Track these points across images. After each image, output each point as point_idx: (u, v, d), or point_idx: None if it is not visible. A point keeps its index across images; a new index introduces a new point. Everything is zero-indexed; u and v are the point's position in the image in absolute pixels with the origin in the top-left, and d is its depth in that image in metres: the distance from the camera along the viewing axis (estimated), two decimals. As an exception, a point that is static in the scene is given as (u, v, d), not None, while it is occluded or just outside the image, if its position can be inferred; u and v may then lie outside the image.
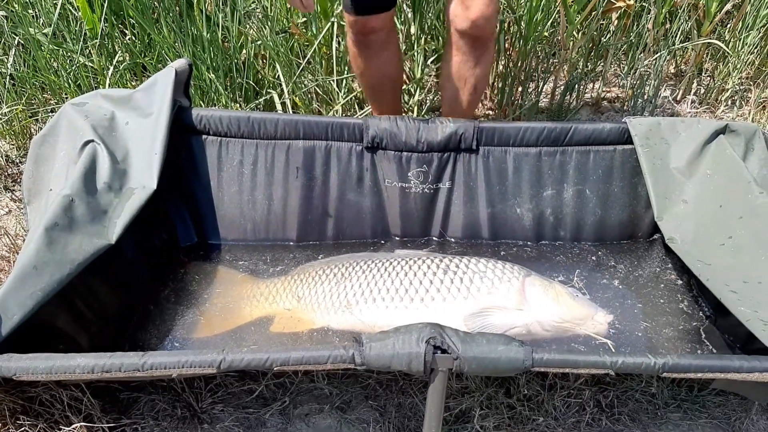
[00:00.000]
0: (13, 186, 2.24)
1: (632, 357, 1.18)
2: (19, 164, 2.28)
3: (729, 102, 2.74)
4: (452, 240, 1.90)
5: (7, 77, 2.33)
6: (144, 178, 1.64)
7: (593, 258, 1.88)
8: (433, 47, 2.61)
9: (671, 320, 1.71)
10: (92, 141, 1.63)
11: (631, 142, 1.83)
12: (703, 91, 2.77)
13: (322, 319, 1.61)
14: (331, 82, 2.45)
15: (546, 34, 2.63)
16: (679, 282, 1.80)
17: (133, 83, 2.06)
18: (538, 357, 1.17)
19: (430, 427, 1.22)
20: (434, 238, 1.92)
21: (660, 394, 1.67)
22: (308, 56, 2.45)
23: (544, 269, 1.85)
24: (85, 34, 2.35)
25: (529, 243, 1.91)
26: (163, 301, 1.73)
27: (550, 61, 2.74)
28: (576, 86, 2.64)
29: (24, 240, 1.45)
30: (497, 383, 1.64)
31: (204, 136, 1.83)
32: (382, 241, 1.91)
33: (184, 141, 1.82)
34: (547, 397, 1.63)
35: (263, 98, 2.42)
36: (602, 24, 2.74)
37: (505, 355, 1.16)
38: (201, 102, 2.36)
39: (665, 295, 1.78)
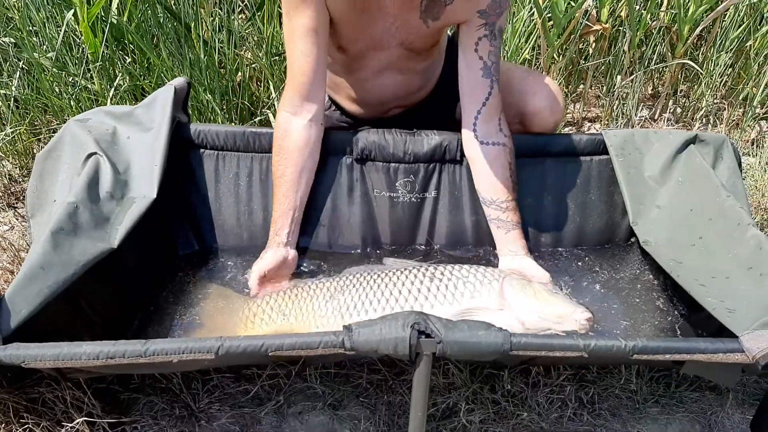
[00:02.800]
0: (16, 204, 2.32)
1: (604, 340, 1.26)
2: (22, 182, 2.36)
3: (704, 120, 2.86)
4: (437, 247, 1.98)
5: (12, 100, 2.42)
6: (144, 188, 1.72)
7: (574, 263, 1.97)
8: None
9: (648, 318, 1.79)
10: (95, 153, 1.71)
11: (607, 153, 1.93)
12: (678, 110, 2.90)
13: None
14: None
15: (527, 56, 2.75)
16: (655, 282, 1.89)
17: (133, 105, 2.15)
18: (516, 340, 1.24)
19: (416, 412, 1.29)
20: (422, 246, 1.99)
21: (639, 390, 1.74)
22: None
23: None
24: (87, 58, 2.45)
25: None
26: (161, 308, 1.78)
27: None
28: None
29: (27, 253, 1.53)
30: (482, 379, 1.71)
31: (202, 150, 1.92)
32: (373, 249, 1.98)
33: (182, 154, 1.90)
34: (530, 393, 1.70)
35: (258, 118, 2.52)
36: (581, 47, 2.87)
37: (485, 339, 1.24)
38: (198, 122, 2.45)
39: (642, 295, 1.86)
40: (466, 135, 1.80)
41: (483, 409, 1.66)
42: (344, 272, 1.76)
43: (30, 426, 1.52)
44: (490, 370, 1.71)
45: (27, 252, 1.79)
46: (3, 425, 1.53)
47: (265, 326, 1.66)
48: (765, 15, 2.85)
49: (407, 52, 1.80)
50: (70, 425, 1.52)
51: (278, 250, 1.79)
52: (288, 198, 1.79)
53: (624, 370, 1.75)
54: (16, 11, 2.52)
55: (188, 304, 1.78)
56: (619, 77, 2.79)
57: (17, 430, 1.52)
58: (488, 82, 1.72)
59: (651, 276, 1.91)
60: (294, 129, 1.77)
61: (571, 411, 1.68)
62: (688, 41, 2.78)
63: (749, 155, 2.74)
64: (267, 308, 1.69)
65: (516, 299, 1.60)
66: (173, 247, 1.94)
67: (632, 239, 1.97)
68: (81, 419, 1.51)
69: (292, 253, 1.81)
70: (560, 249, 1.99)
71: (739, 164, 1.89)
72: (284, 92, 1.78)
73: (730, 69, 2.89)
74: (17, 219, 2.25)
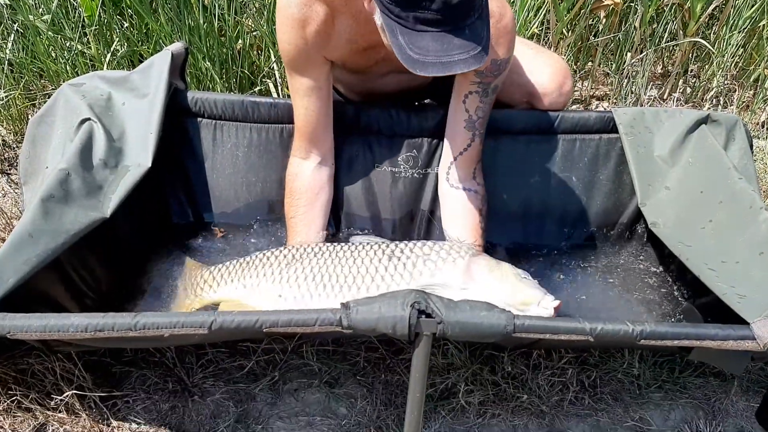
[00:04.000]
0: (9, 170, 2.27)
1: (611, 324, 1.22)
2: (16, 148, 2.31)
3: (713, 101, 2.80)
4: (438, 224, 1.93)
5: (5, 63, 2.36)
6: (139, 156, 1.67)
7: (579, 243, 1.93)
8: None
9: (652, 301, 1.76)
10: (89, 119, 1.66)
11: (616, 131, 1.87)
12: (688, 90, 2.83)
13: (267, 307, 1.57)
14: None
15: (536, 30, 2.68)
16: (661, 265, 1.85)
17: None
18: (520, 323, 1.21)
19: (415, 392, 1.25)
20: (423, 223, 1.95)
21: (642, 375, 1.71)
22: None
23: (530, 256, 1.90)
24: (83, 21, 2.38)
25: (515, 229, 1.94)
26: (151, 279, 1.76)
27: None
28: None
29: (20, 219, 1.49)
30: (482, 360, 1.67)
31: (199, 119, 1.86)
32: (373, 225, 1.94)
33: (179, 123, 1.84)
34: (531, 376, 1.67)
35: (258, 88, 2.46)
36: (591, 23, 2.80)
37: (487, 320, 1.20)
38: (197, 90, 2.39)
39: (647, 278, 1.83)
40: (441, 177, 1.81)
41: (482, 391, 1.63)
42: (303, 245, 1.70)
43: (18, 398, 1.49)
44: (490, 351, 1.68)
45: (19, 220, 1.75)
46: (-9, 396, 1.50)
47: (220, 294, 1.63)
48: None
49: None
50: (60, 398, 1.49)
51: None
52: (301, 235, 1.78)
53: (627, 354, 1.72)
54: (11, -28, 2.44)
55: (167, 275, 1.75)
56: (629, 54, 2.73)
57: (5, 401, 1.49)
58: (469, 134, 1.71)
59: (657, 258, 1.87)
60: (304, 172, 1.78)
61: (572, 394, 1.65)
62: (701, 19, 2.70)
63: (759, 138, 2.68)
64: (219, 276, 1.65)
65: (482, 279, 1.54)
66: (168, 217, 1.90)
67: (640, 220, 1.91)
68: (71, 392, 1.48)
69: None
70: (566, 229, 1.94)
71: (751, 146, 1.84)
72: (293, 141, 1.79)
73: (742, 49, 2.82)
74: (10, 186, 2.21)
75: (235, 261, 1.68)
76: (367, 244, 1.63)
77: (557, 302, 1.50)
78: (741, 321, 1.30)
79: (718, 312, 1.49)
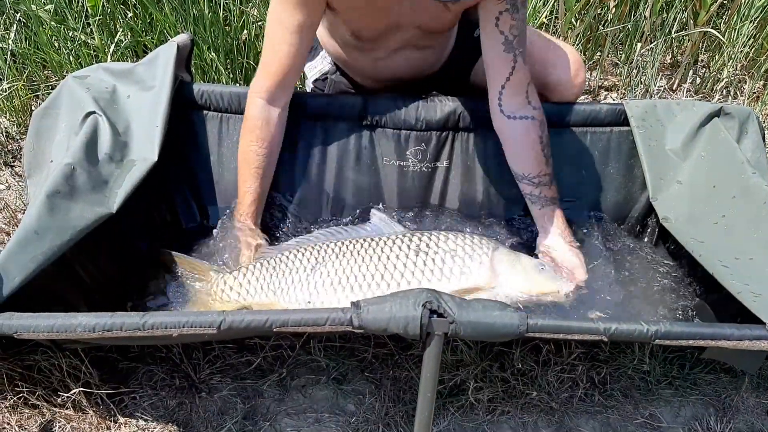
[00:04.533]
0: (13, 162, 2.25)
1: (626, 324, 1.20)
2: (19, 140, 2.29)
3: (723, 92, 2.76)
4: (447, 218, 1.91)
5: (8, 54, 2.34)
6: (145, 150, 1.65)
7: (589, 238, 1.90)
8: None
9: (664, 298, 1.74)
10: (94, 113, 1.64)
11: (628, 124, 1.85)
12: (698, 80, 2.80)
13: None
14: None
15: (544, 20, 2.64)
16: (671, 263, 1.83)
17: (134, 62, 2.07)
18: (533, 323, 1.19)
19: (426, 392, 1.24)
20: (431, 217, 1.93)
21: (652, 371, 1.69)
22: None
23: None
24: (87, 11, 2.36)
25: (525, 223, 1.92)
26: (158, 276, 1.72)
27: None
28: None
29: (24, 213, 1.47)
30: (491, 357, 1.66)
31: (205, 112, 1.84)
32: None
33: (185, 116, 1.82)
34: (540, 372, 1.65)
35: (263, 79, 2.43)
36: (600, 13, 2.76)
37: (500, 320, 1.18)
38: (202, 81, 2.37)
39: (658, 275, 1.81)
40: (493, 110, 1.71)
41: (492, 388, 1.62)
42: (320, 235, 1.69)
43: (25, 395, 1.49)
44: (500, 347, 1.66)
45: (24, 213, 1.73)
46: (-2, 393, 1.49)
47: (248, 300, 1.61)
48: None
49: (424, 33, 1.72)
50: (67, 394, 1.48)
51: (253, 240, 1.73)
52: (260, 184, 1.74)
53: (637, 349, 1.70)
54: (13, -39, 2.41)
55: (177, 275, 1.72)
56: (638, 45, 2.69)
57: (12, 398, 1.48)
58: (510, 56, 1.62)
59: (668, 254, 1.85)
60: (272, 118, 1.71)
61: (582, 391, 1.64)
62: (711, 9, 2.67)
63: (769, 130, 2.65)
64: (242, 281, 1.63)
65: (506, 276, 1.56)
66: (174, 212, 1.88)
67: (651, 215, 1.89)
68: (78, 389, 1.47)
69: (264, 242, 1.75)
70: (576, 222, 1.91)
71: (764, 138, 1.82)
72: (258, 78, 1.70)
73: (753, 39, 2.78)
74: (14, 178, 2.19)
75: (258, 264, 1.64)
76: (389, 238, 1.61)
77: (574, 287, 1.58)
78: (755, 319, 1.28)
79: (731, 308, 1.48)
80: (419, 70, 1.85)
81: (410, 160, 1.87)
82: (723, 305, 1.60)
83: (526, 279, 1.55)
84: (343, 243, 1.63)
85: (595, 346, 1.70)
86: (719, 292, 1.51)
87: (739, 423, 1.63)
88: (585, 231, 1.88)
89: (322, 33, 1.86)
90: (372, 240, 1.62)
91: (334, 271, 1.57)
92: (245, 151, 1.73)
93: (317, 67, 1.99)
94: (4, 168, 2.22)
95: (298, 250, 1.64)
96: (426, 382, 1.23)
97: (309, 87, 2.05)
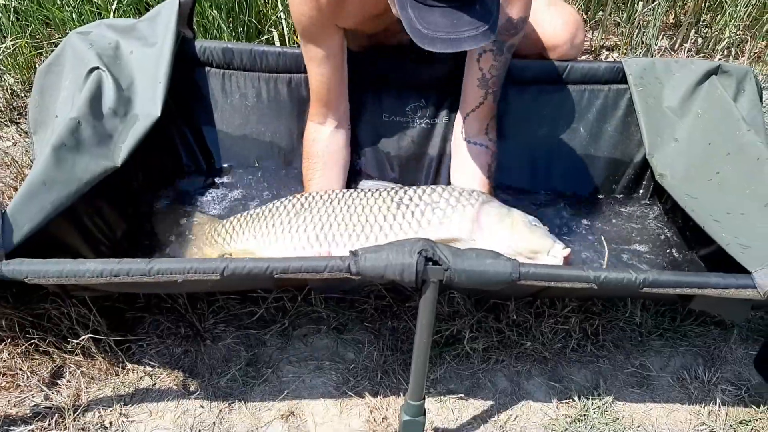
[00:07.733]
0: (19, 119, 2.27)
1: (615, 272, 1.24)
2: (24, 97, 2.31)
3: (725, 51, 2.76)
4: (445, 174, 1.94)
5: (11, 11, 2.34)
6: (148, 105, 1.67)
7: (584, 195, 1.94)
8: None
9: (655, 254, 1.77)
10: (97, 68, 1.66)
11: (626, 82, 1.86)
12: (700, 40, 2.79)
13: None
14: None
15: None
16: (665, 219, 1.86)
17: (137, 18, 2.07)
18: (525, 270, 1.23)
19: (421, 338, 1.28)
20: (430, 174, 1.96)
21: (644, 323, 1.74)
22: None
23: (536, 204, 1.91)
24: (89, -33, 2.36)
25: (523, 179, 1.95)
26: (156, 229, 1.78)
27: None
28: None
29: (31, 168, 1.50)
30: (487, 308, 1.71)
31: (207, 68, 1.86)
32: (378, 174, 1.95)
33: (187, 72, 1.84)
34: (535, 324, 1.70)
35: (265, 36, 2.44)
36: (603, -29, 2.75)
37: (493, 268, 1.22)
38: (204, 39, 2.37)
39: (651, 231, 1.84)
40: (454, 132, 1.81)
41: (487, 338, 1.67)
42: (311, 193, 1.71)
43: (36, 341, 1.54)
44: (495, 300, 1.71)
45: (30, 168, 1.77)
46: (9, 340, 1.54)
47: (233, 246, 1.66)
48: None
49: None
50: (76, 341, 1.53)
51: None
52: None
53: (630, 303, 1.75)
54: None
55: (179, 226, 1.77)
56: (640, 4, 2.68)
57: (23, 344, 1.53)
58: (482, 93, 1.70)
59: (662, 210, 1.88)
60: (321, 136, 1.79)
61: (575, 342, 1.69)
62: (715, -33, 2.66)
63: (769, 89, 2.65)
64: (231, 229, 1.68)
65: (492, 229, 1.54)
66: (178, 167, 1.91)
67: (647, 172, 1.92)
68: (87, 336, 1.52)
69: None
70: (571, 179, 1.95)
71: (761, 97, 1.83)
72: (310, 106, 1.80)
73: (756, -1, 2.77)
74: (20, 135, 2.22)
75: (246, 213, 1.70)
76: (376, 190, 1.64)
77: (567, 250, 1.51)
78: (743, 271, 1.31)
79: (722, 263, 1.51)
80: None
81: (410, 116, 1.89)
82: (714, 259, 1.64)
83: (515, 234, 1.53)
84: (327, 193, 1.66)
85: (588, 299, 1.74)
86: (710, 246, 1.55)
87: (727, 373, 1.67)
88: (580, 187, 1.91)
89: None
90: (359, 192, 1.65)
91: (317, 217, 1.60)
92: (303, 168, 1.83)
93: None
94: (9, 125, 2.25)
95: (282, 200, 1.69)
96: (422, 328, 1.27)
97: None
